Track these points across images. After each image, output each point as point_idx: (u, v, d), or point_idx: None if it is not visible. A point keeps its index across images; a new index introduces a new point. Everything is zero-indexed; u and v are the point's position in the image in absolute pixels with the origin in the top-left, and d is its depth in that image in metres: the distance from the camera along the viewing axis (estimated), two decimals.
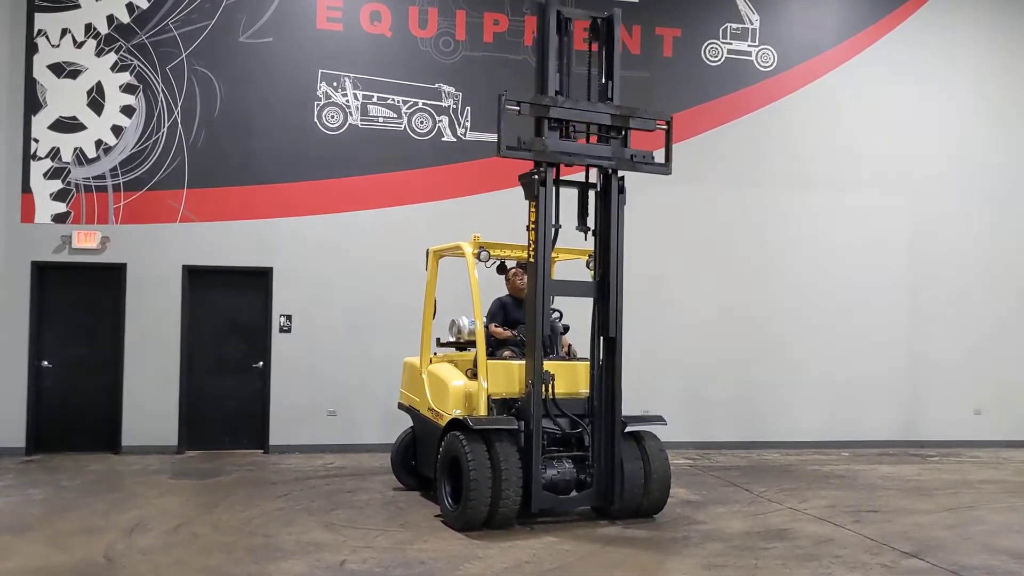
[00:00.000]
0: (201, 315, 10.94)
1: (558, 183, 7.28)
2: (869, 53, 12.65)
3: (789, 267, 12.35)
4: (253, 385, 11.02)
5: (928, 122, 12.84)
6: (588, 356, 7.38)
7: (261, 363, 11.02)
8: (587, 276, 7.71)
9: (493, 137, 11.34)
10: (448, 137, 11.44)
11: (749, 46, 12.32)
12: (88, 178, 10.66)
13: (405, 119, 11.33)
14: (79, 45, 10.65)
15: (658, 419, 7.72)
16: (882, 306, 12.61)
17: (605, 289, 7.24)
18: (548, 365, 7.18)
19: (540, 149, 7.01)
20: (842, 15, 12.62)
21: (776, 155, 12.37)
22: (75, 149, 10.63)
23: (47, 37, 10.57)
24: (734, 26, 12.28)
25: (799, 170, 12.43)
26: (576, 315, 7.98)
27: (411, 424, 8.70)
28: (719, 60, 12.24)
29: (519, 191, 7.20)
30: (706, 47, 12.19)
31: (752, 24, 12.33)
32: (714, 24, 12.22)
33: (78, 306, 10.76)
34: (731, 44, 12.27)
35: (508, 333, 8.02)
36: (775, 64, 12.39)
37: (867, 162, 12.62)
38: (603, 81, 7.43)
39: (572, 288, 7.41)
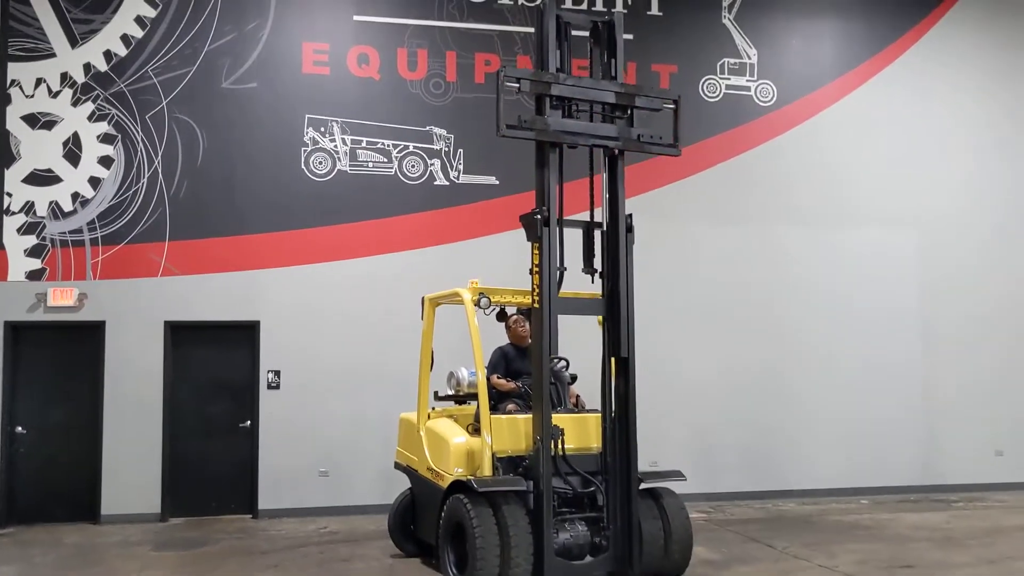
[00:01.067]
0: (184, 373, 10.40)
1: (562, 223, 6.82)
2: (870, 86, 12.36)
3: (796, 309, 11.90)
4: (240, 446, 10.44)
5: (933, 156, 12.50)
6: (599, 408, 6.88)
7: (248, 422, 10.46)
8: (595, 326, 7.22)
9: (488, 180, 11.29)
10: (441, 181, 11.03)
11: (748, 81, 12.01)
12: (64, 232, 10.19)
13: (396, 163, 10.93)
14: (54, 95, 10.24)
15: (676, 474, 7.19)
16: (894, 346, 12.13)
17: (615, 305, 6.75)
18: (556, 418, 6.67)
19: (542, 128, 6.57)
20: (841, 48, 12.35)
21: (780, 192, 11.99)
22: (50, 203, 10.17)
23: (20, 87, 10.16)
24: (732, 61, 11.98)
25: (803, 207, 12.04)
26: (583, 365, 7.48)
27: (409, 485, 8.15)
28: (717, 96, 11.91)
29: (516, 235, 6.80)
30: (704, 83, 11.87)
31: (750, 59, 12.03)
32: (711, 59, 11.92)
33: (54, 368, 10.21)
34: (729, 79, 11.95)
35: (511, 385, 7.51)
36: (775, 99, 12.08)
37: (872, 198, 12.25)
38: (606, 60, 6.99)
39: (579, 305, 6.92)
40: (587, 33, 7.18)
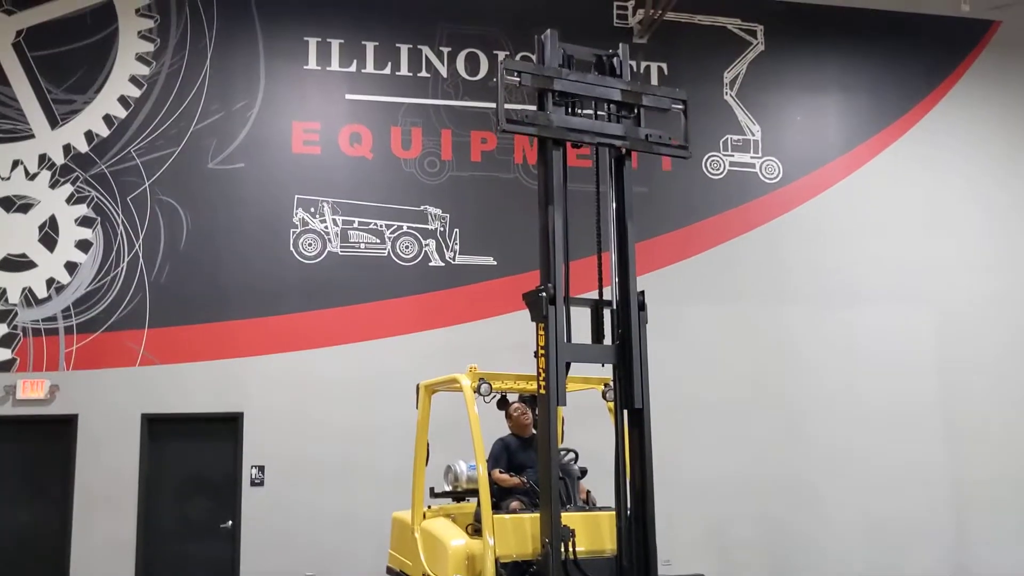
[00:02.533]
0: (161, 470, 9.76)
1: (569, 301, 6.29)
2: (878, 161, 12.10)
3: (810, 399, 11.33)
4: (221, 549, 9.73)
5: (948, 232, 12.14)
6: (611, 504, 6.24)
7: (230, 523, 9.77)
8: (604, 414, 6.65)
9: (485, 260, 10.85)
10: (436, 262, 10.58)
11: (752, 158, 11.71)
12: (37, 320, 9.66)
13: (389, 244, 10.50)
14: (31, 177, 9.84)
15: None
16: (915, 435, 11.52)
17: (627, 352, 6.15)
18: (566, 518, 6.01)
19: (544, 123, 6.06)
20: (846, 123, 12.13)
21: (788, 273, 11.57)
22: (23, 289, 9.67)
23: None
24: (735, 138, 11.70)
25: (813, 289, 11.60)
26: (592, 456, 6.88)
27: None
28: (721, 173, 11.59)
29: (515, 318, 6.32)
30: (707, 159, 11.56)
31: (753, 135, 11.76)
32: (714, 136, 11.65)
33: (21, 466, 9.59)
34: (733, 156, 11.65)
35: (515, 480, 6.86)
36: (781, 175, 11.76)
37: (886, 277, 11.83)
38: (609, 54, 6.54)
39: (589, 353, 6.31)
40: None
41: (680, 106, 6.59)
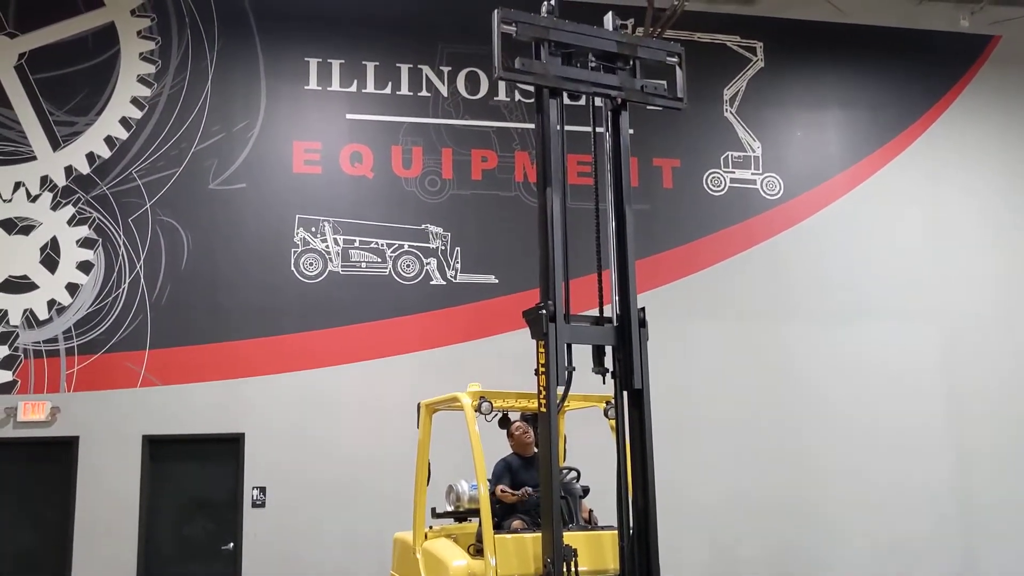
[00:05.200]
0: (162, 491, 9.70)
1: (568, 319, 6.25)
2: (880, 176, 12.06)
3: (814, 420, 11.23)
4: (222, 571, 9.64)
5: (952, 247, 12.08)
6: (615, 523, 6.17)
7: (231, 544, 9.69)
8: (607, 431, 6.60)
9: (486, 279, 10.82)
10: (437, 280, 10.55)
11: (753, 174, 11.69)
12: (38, 342, 9.63)
13: (390, 263, 10.47)
14: (33, 199, 9.84)
15: None
16: (921, 452, 11.41)
17: (625, 332, 6.12)
18: (568, 537, 5.94)
19: (541, 72, 6.04)
20: (847, 139, 12.10)
21: (790, 290, 11.51)
22: (24, 311, 9.64)
23: None
24: (735, 154, 11.68)
25: (815, 306, 11.54)
26: (594, 475, 6.82)
27: None
28: (722, 190, 11.56)
29: (516, 336, 6.27)
30: (708, 176, 11.54)
31: (754, 152, 11.74)
32: (714, 153, 11.63)
33: (21, 489, 9.51)
34: (734, 173, 11.63)
35: (517, 495, 6.79)
36: (782, 192, 11.73)
37: (889, 294, 11.75)
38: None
39: (588, 334, 6.25)
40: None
41: (675, 59, 6.59)
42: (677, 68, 6.62)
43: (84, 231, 9.90)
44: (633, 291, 6.37)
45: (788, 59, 12.10)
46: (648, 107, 6.58)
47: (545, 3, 6.34)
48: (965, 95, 12.51)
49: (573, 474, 6.85)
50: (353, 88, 10.80)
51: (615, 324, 6.24)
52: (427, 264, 10.57)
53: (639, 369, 6.11)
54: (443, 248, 10.63)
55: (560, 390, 5.90)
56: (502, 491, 6.84)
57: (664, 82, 6.57)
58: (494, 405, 6.76)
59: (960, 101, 12.48)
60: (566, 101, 6.39)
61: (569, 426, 7.49)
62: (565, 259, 6.25)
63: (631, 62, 6.46)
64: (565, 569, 5.79)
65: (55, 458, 9.50)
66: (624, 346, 6.16)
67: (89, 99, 10.13)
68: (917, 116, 12.32)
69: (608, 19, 6.60)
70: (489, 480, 6.75)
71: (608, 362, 6.40)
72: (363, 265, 10.43)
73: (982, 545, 11.36)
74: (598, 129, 6.57)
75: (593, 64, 6.41)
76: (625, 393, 6.14)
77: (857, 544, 11.01)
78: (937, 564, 11.18)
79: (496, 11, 5.95)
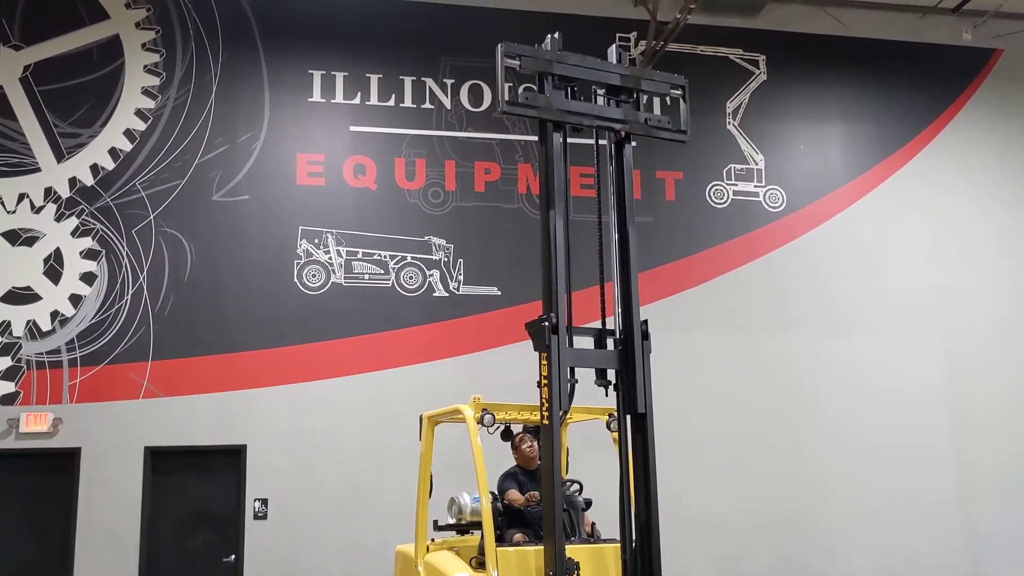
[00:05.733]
0: (164, 503, 9.68)
1: (571, 331, 6.24)
2: (883, 189, 12.06)
3: (815, 427, 11.19)
4: None
5: (950, 260, 12.06)
6: (617, 536, 6.14)
7: (233, 556, 9.66)
8: (608, 439, 6.58)
9: (489, 291, 10.81)
10: (440, 292, 10.55)
11: (756, 187, 11.69)
12: (41, 353, 9.64)
13: (393, 275, 10.47)
14: (37, 210, 9.87)
15: None
16: (924, 468, 11.34)
17: (628, 356, 6.09)
18: (571, 550, 5.90)
19: (544, 106, 6.03)
20: (850, 152, 12.10)
21: (793, 303, 11.48)
22: (28, 322, 9.65)
23: (2, 203, 9.82)
24: (738, 167, 11.69)
25: (819, 319, 11.50)
26: (596, 488, 6.79)
27: None
28: (725, 202, 11.56)
29: (519, 348, 6.25)
30: (710, 189, 11.54)
31: (757, 164, 11.74)
32: (717, 165, 11.63)
33: (24, 500, 9.52)
34: (736, 185, 11.63)
35: (527, 497, 6.75)
36: (784, 204, 11.72)
37: (893, 308, 11.70)
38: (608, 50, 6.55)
39: (591, 358, 6.23)
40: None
41: (679, 91, 6.59)
42: (680, 100, 6.62)
43: (88, 242, 9.92)
44: (636, 310, 6.32)
45: (791, 72, 12.12)
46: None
47: (549, 37, 6.35)
48: (967, 109, 12.51)
49: (575, 487, 6.81)
50: (356, 100, 10.83)
51: (618, 348, 6.20)
52: (430, 276, 10.57)
53: (642, 394, 6.07)
54: (446, 260, 10.63)
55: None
56: (513, 494, 6.83)
57: (667, 117, 6.54)
58: (496, 417, 6.73)
59: (962, 115, 12.48)
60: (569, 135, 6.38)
61: (571, 438, 7.46)
62: (567, 272, 6.25)
63: (635, 94, 6.46)
64: None
65: (57, 469, 9.49)
66: (627, 370, 6.12)
67: (93, 111, 10.17)
68: (919, 129, 12.32)
69: (612, 52, 6.58)
70: (492, 492, 6.74)
71: (611, 375, 6.40)
72: (366, 277, 10.43)
73: (984, 562, 11.29)
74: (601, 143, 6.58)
75: (600, 92, 6.40)
76: (628, 417, 6.12)
77: (858, 560, 10.94)
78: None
79: (500, 45, 5.95)
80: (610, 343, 6.34)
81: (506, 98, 5.91)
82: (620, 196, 6.38)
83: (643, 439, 6.06)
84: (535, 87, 6.20)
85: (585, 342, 6.23)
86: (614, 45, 6.53)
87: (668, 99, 6.62)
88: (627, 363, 6.14)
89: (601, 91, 6.45)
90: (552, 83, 6.13)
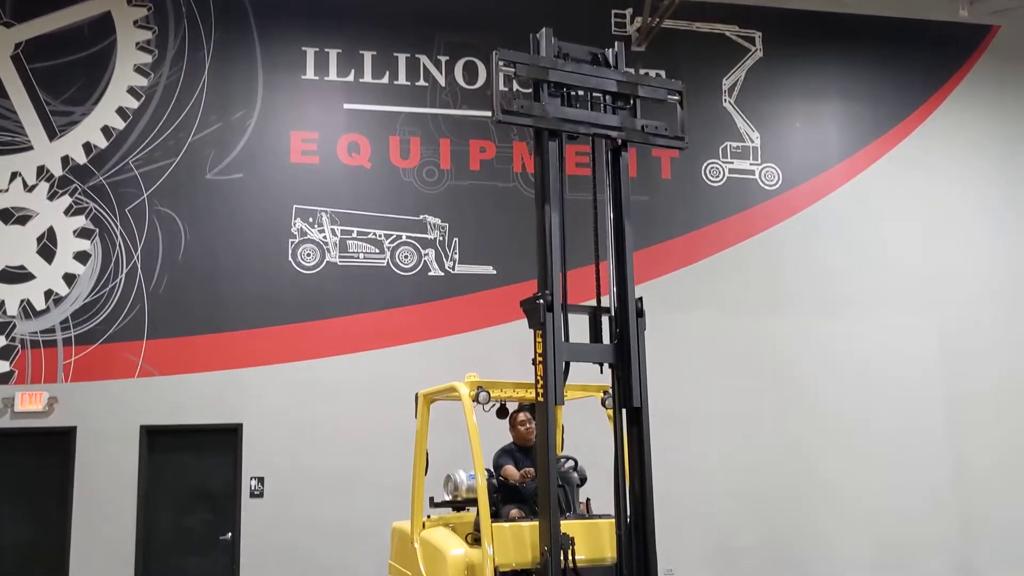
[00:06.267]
0: (160, 482, 9.69)
1: (566, 308, 6.24)
2: (878, 167, 12.03)
3: (810, 403, 11.22)
4: (220, 561, 9.65)
5: (946, 236, 12.07)
6: (612, 512, 6.17)
7: (229, 534, 9.69)
8: (603, 417, 6.60)
9: (484, 270, 10.80)
10: (435, 271, 10.53)
11: (751, 164, 11.66)
12: (35, 332, 9.62)
13: (388, 254, 10.45)
14: (30, 189, 9.81)
15: None
16: (919, 444, 11.40)
17: (625, 350, 6.10)
18: (566, 526, 5.95)
19: (539, 114, 5.99)
20: (846, 130, 12.07)
21: (791, 278, 11.49)
22: (22, 301, 9.63)
23: None
24: (734, 145, 11.66)
25: (813, 296, 11.51)
26: (591, 464, 6.83)
27: None
28: (721, 180, 11.54)
29: (515, 327, 6.25)
30: (706, 167, 11.52)
31: (753, 142, 11.71)
32: (713, 143, 11.60)
33: (20, 479, 9.51)
34: (732, 163, 11.61)
35: (523, 473, 6.78)
36: (780, 182, 11.71)
37: (887, 286, 11.71)
38: (605, 51, 6.48)
39: (587, 352, 6.27)
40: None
41: (676, 97, 6.55)
42: (678, 107, 6.55)
43: (81, 221, 9.88)
44: (631, 288, 6.34)
45: (787, 49, 12.06)
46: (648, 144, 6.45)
47: (544, 30, 6.29)
48: (964, 85, 12.48)
49: (571, 463, 6.83)
50: (350, 78, 10.77)
51: (613, 340, 6.17)
52: (425, 255, 10.55)
53: (638, 388, 6.06)
54: (441, 239, 10.61)
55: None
56: (508, 468, 6.86)
57: (664, 124, 6.45)
58: (492, 395, 6.75)
59: (959, 91, 12.45)
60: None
61: (566, 416, 7.47)
62: (563, 250, 6.24)
63: (631, 101, 6.40)
64: (562, 558, 5.81)
65: (53, 449, 9.49)
66: (623, 364, 6.11)
67: (86, 89, 10.10)
68: (916, 106, 12.30)
69: (610, 54, 6.48)
70: (488, 470, 6.76)
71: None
72: (361, 256, 10.41)
73: (978, 541, 11.36)
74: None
75: (595, 97, 6.31)
76: (624, 411, 6.10)
77: (852, 535, 11.02)
78: (932, 558, 11.19)
79: (494, 53, 5.91)
80: (606, 335, 6.31)
81: (500, 107, 5.82)
82: (617, 200, 6.31)
83: (639, 432, 6.07)
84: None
85: (581, 333, 6.22)
86: (611, 50, 6.44)
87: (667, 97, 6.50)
88: (622, 357, 6.12)
89: (596, 96, 6.40)
90: (548, 90, 6.07)
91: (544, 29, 6.31)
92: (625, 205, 6.29)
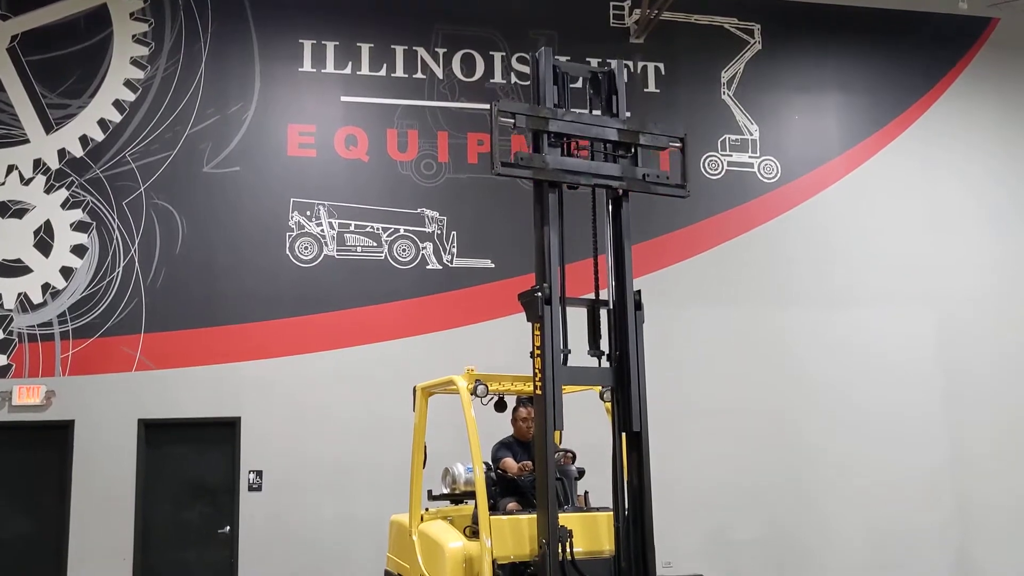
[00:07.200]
0: (159, 476, 9.67)
1: (564, 302, 6.22)
2: (877, 160, 12.00)
3: (808, 396, 11.21)
4: (219, 555, 9.64)
5: (945, 229, 12.05)
6: (608, 505, 6.17)
7: (228, 528, 9.68)
8: (601, 410, 6.59)
9: (483, 263, 10.78)
10: (433, 265, 10.51)
11: (750, 157, 11.63)
12: (32, 326, 9.59)
13: (386, 247, 10.43)
14: (26, 182, 9.78)
15: None
16: (916, 438, 11.39)
17: (624, 373, 6.07)
18: (564, 518, 5.93)
19: (539, 166, 5.95)
20: (845, 122, 12.04)
21: (787, 274, 11.46)
22: (19, 295, 9.60)
23: None
24: (733, 137, 11.62)
25: (812, 290, 11.49)
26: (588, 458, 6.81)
27: None
28: (719, 173, 11.52)
29: (513, 321, 6.22)
30: (705, 160, 11.49)
31: (751, 135, 11.68)
32: (712, 136, 11.56)
33: (18, 473, 9.49)
34: (731, 156, 11.58)
35: (521, 466, 6.78)
36: (779, 175, 11.68)
37: (885, 279, 11.69)
38: (607, 97, 6.45)
39: (584, 376, 6.25)
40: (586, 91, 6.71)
41: (677, 144, 6.50)
42: (680, 154, 6.51)
43: (78, 214, 9.85)
44: (629, 275, 6.31)
45: (786, 41, 12.03)
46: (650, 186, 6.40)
47: (543, 49, 6.27)
48: (963, 78, 12.45)
49: (569, 456, 6.83)
50: (348, 70, 10.73)
51: (612, 363, 6.12)
52: (423, 248, 10.52)
53: (638, 411, 6.03)
54: (439, 232, 10.58)
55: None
56: (508, 461, 6.85)
57: (666, 173, 6.43)
58: (490, 388, 6.74)
59: (958, 84, 12.42)
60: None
61: (564, 408, 7.46)
62: (561, 243, 6.22)
63: (632, 149, 6.35)
64: (560, 550, 5.80)
65: (51, 442, 9.48)
66: (622, 387, 6.07)
67: (82, 81, 10.06)
68: (915, 99, 12.27)
69: (614, 102, 6.41)
70: (486, 463, 6.75)
71: (604, 345, 6.38)
72: (359, 249, 10.39)
73: (976, 530, 11.37)
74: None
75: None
76: (624, 435, 6.05)
77: (850, 529, 11.02)
78: (931, 550, 11.20)
79: (493, 105, 5.85)
80: (604, 328, 6.29)
81: (499, 160, 5.77)
82: (618, 249, 6.26)
83: (638, 457, 6.04)
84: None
85: (580, 334, 6.19)
86: (615, 96, 6.36)
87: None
88: (622, 381, 6.08)
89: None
90: (548, 140, 6.03)
91: (543, 48, 6.27)
92: (627, 254, 6.22)
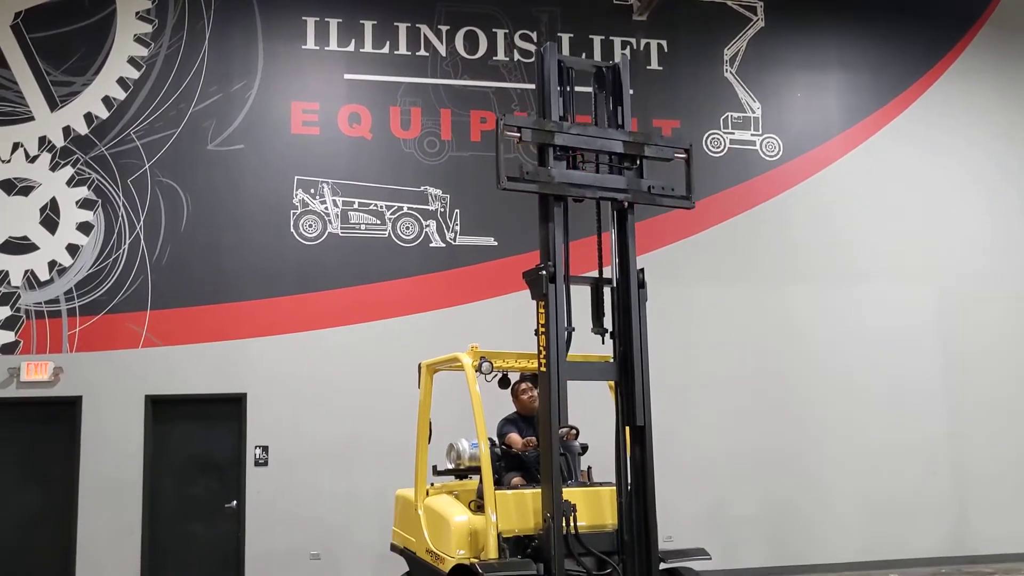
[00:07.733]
0: (165, 451, 9.77)
1: (568, 280, 6.29)
2: (878, 138, 12.03)
3: (809, 374, 11.32)
4: (225, 528, 9.75)
5: (948, 208, 12.09)
6: (611, 479, 6.26)
7: (234, 502, 9.79)
8: (606, 391, 6.66)
9: (486, 241, 10.82)
10: (436, 243, 10.56)
11: (752, 135, 11.65)
12: (40, 303, 9.65)
13: (389, 225, 10.47)
14: (32, 159, 9.81)
15: (700, 553, 6.52)
16: (917, 412, 11.52)
17: (628, 368, 6.16)
18: (567, 493, 6.03)
19: (546, 180, 6.03)
20: (846, 100, 12.04)
21: (788, 250, 11.52)
22: (26, 272, 9.66)
23: None
24: (735, 115, 11.63)
25: (813, 266, 11.56)
26: (593, 434, 6.89)
27: (407, 569, 7.46)
28: (722, 151, 11.54)
29: (516, 298, 6.28)
30: (707, 137, 11.50)
31: (754, 112, 11.69)
32: (714, 114, 11.57)
33: (27, 448, 9.59)
34: (734, 134, 11.59)
35: (526, 441, 6.87)
36: (781, 153, 11.70)
37: (886, 255, 11.77)
38: (611, 108, 6.50)
39: (590, 371, 6.37)
40: (590, 88, 6.72)
41: (683, 155, 6.52)
42: (685, 164, 6.50)
43: (83, 192, 9.88)
44: (633, 252, 6.37)
45: (788, 19, 12.00)
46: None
47: (548, 44, 6.29)
48: (965, 56, 12.43)
49: (573, 432, 6.90)
50: (351, 48, 10.72)
51: (616, 359, 6.20)
52: (426, 226, 10.57)
53: (641, 406, 6.10)
54: (442, 210, 10.62)
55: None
56: (512, 436, 6.93)
57: (672, 185, 6.43)
58: (494, 365, 6.80)
59: (960, 62, 12.40)
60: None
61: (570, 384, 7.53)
62: (565, 221, 6.28)
63: (638, 161, 6.38)
64: (564, 524, 5.90)
65: (59, 418, 9.56)
66: (626, 381, 6.15)
67: (86, 59, 10.06)
68: (917, 77, 12.26)
69: (618, 113, 6.45)
70: (491, 438, 6.83)
71: (607, 322, 6.45)
72: (362, 227, 10.43)
73: (974, 501, 11.51)
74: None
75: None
76: (628, 428, 6.14)
77: (849, 500, 11.16)
78: (929, 520, 11.35)
79: (499, 121, 5.88)
80: (607, 307, 6.35)
81: (506, 174, 5.82)
82: (624, 262, 6.29)
83: (641, 451, 6.13)
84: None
85: (584, 311, 6.25)
86: (620, 108, 6.39)
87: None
88: (625, 376, 6.16)
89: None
90: (553, 154, 6.06)
91: (548, 43, 6.30)
92: (632, 270, 6.25)
